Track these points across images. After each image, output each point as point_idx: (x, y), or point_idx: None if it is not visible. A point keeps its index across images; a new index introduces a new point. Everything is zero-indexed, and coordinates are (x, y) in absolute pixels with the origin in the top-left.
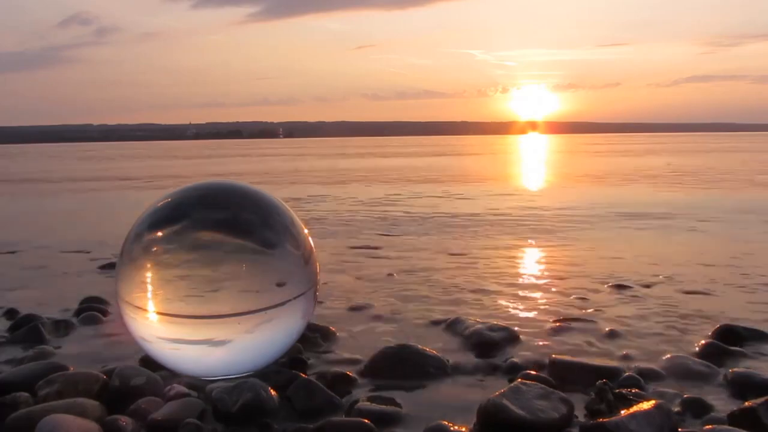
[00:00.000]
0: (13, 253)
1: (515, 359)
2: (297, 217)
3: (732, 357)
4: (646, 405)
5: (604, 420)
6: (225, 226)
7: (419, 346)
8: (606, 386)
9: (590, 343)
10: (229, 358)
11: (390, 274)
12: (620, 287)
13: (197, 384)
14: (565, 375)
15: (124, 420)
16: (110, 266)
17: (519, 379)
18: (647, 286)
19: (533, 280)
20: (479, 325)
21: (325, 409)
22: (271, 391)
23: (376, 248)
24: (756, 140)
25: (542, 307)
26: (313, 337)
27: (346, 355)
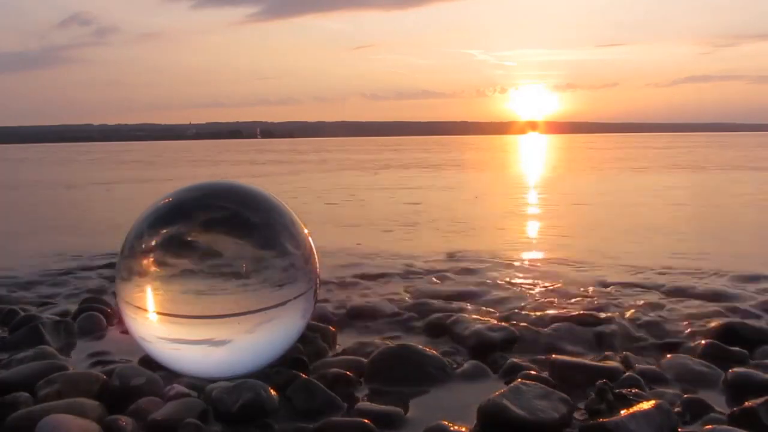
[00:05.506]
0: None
1: (515, 359)
2: (297, 217)
3: (732, 357)
4: (646, 405)
5: (604, 420)
6: (225, 226)
7: (419, 346)
8: (606, 386)
9: (590, 343)
10: (229, 358)
11: None
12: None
13: (197, 384)
14: (565, 375)
15: (124, 420)
16: (111, 266)
17: (519, 379)
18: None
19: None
20: (479, 325)
21: (325, 410)
22: (271, 391)
23: None
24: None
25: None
26: (313, 337)
27: (346, 356)
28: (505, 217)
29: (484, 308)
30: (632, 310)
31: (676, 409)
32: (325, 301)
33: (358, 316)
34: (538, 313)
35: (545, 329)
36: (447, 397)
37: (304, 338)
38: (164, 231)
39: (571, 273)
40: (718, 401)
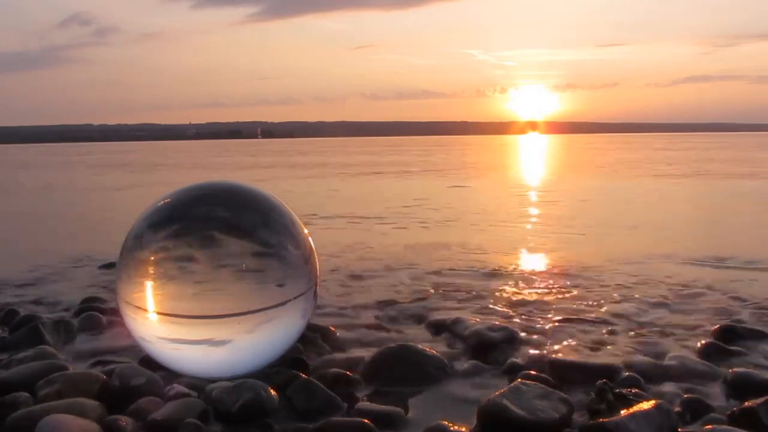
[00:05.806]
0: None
1: (515, 359)
2: (297, 217)
3: (732, 357)
4: (646, 405)
5: (604, 420)
6: (225, 226)
7: (419, 346)
8: (606, 386)
9: (590, 342)
10: (230, 358)
11: None
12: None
13: (197, 384)
14: (565, 375)
15: (124, 420)
16: (110, 266)
17: (519, 379)
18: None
19: None
20: (479, 325)
21: (325, 410)
22: (271, 391)
23: None
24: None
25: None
26: (313, 337)
27: (346, 355)
28: (510, 216)
29: (484, 308)
30: (633, 310)
31: (676, 409)
32: (326, 300)
33: (359, 316)
34: (539, 313)
35: (546, 329)
36: (447, 397)
37: (304, 338)
38: (164, 231)
39: (572, 272)
40: (718, 401)
